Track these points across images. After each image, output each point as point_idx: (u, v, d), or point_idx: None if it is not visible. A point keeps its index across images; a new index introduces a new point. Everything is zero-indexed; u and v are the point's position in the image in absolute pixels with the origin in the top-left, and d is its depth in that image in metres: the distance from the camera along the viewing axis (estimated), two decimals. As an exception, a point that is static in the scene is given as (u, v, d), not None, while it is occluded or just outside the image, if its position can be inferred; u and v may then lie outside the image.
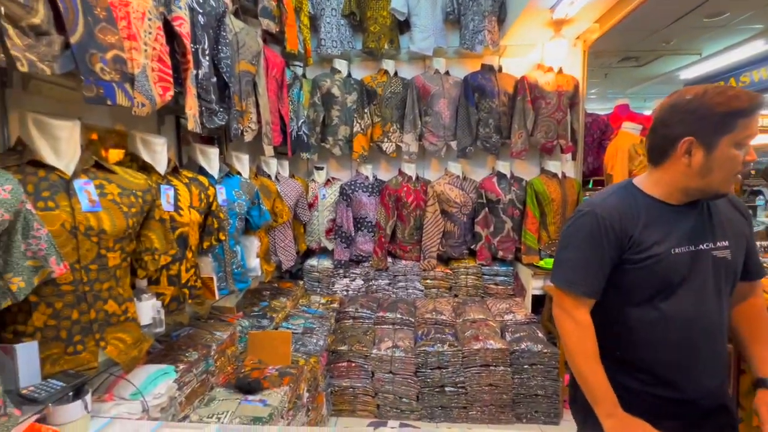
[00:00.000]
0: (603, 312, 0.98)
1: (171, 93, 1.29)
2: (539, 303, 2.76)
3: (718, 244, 0.93)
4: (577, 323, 0.95)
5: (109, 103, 1.01)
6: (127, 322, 1.12)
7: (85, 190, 1.01)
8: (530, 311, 2.70)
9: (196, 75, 1.47)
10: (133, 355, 1.10)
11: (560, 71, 2.90)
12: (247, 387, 1.55)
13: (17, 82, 1.11)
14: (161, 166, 1.40)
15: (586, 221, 0.95)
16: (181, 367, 1.39)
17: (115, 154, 1.44)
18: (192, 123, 1.40)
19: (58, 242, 0.93)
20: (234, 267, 1.77)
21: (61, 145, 1.01)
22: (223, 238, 1.62)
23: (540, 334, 2.39)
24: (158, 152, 1.39)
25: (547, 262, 2.79)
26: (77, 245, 0.98)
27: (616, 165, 2.80)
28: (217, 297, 1.61)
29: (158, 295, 1.32)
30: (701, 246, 0.92)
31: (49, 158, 0.99)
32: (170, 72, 1.29)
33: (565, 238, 1.00)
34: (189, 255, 1.42)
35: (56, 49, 0.89)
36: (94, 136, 1.37)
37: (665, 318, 0.93)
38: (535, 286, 2.71)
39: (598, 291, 0.96)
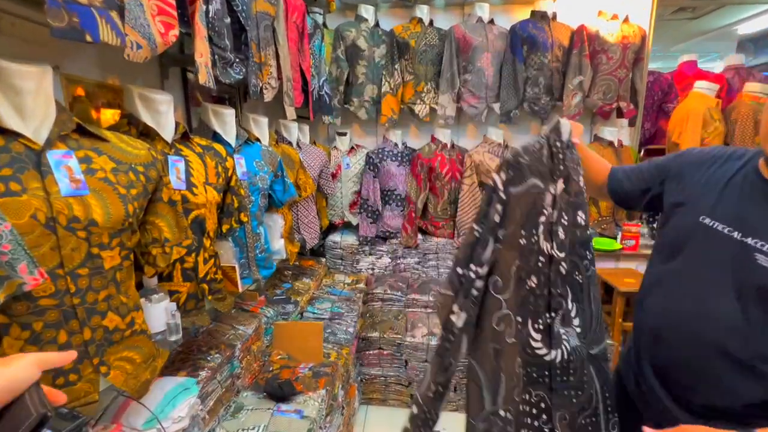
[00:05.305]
0: None
1: (175, 32, 0.96)
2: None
3: None
4: None
5: (88, 38, 0.70)
6: (134, 337, 0.87)
7: (65, 165, 0.73)
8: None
9: (206, 11, 1.13)
10: (144, 378, 0.86)
11: (626, 20, 2.47)
12: (279, 393, 1.34)
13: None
14: (167, 132, 1.10)
15: None
16: (203, 375, 1.16)
17: (108, 115, 1.14)
18: (204, 75, 1.09)
19: (28, 241, 0.66)
20: (258, 251, 1.51)
21: (25, 100, 0.71)
22: (245, 219, 1.35)
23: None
24: (163, 113, 1.08)
25: (597, 242, 2.50)
26: (57, 244, 0.71)
27: (685, 131, 2.42)
28: (240, 288, 1.36)
29: (172, 294, 1.07)
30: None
31: (10, 120, 0.70)
32: (173, 3, 0.96)
33: None
34: (207, 243, 1.16)
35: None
36: (80, 91, 1.07)
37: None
38: (584, 268, 2.44)
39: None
